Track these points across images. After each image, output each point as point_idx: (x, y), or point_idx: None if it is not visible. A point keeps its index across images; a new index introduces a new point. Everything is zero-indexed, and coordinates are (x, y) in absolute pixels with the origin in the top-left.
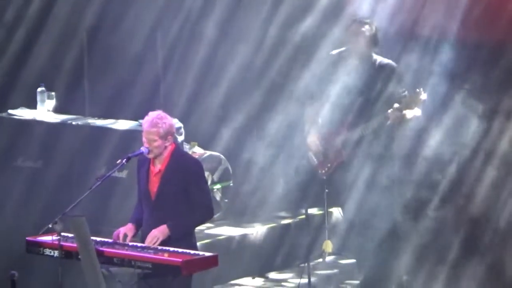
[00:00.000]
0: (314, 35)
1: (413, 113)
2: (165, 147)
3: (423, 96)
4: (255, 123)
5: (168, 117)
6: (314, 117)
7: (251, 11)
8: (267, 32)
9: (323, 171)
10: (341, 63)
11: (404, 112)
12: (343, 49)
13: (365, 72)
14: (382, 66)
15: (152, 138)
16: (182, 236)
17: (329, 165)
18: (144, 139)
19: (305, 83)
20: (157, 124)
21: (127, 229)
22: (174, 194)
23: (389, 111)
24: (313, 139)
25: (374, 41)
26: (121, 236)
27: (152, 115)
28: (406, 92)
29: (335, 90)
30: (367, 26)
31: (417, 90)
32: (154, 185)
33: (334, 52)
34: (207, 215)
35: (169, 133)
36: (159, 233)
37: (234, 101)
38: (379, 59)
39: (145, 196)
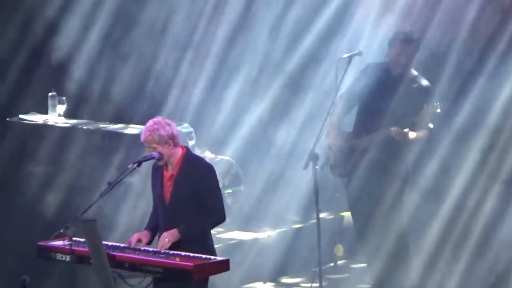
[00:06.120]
0: (324, 40)
1: (419, 132)
2: (173, 152)
3: (438, 110)
4: (266, 127)
5: (164, 122)
6: (338, 117)
7: (261, 17)
8: (277, 38)
9: (338, 172)
10: (371, 69)
11: (407, 130)
12: (355, 52)
13: (400, 87)
14: (420, 87)
15: (151, 146)
16: (194, 238)
17: (344, 166)
18: (147, 149)
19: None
20: (152, 132)
21: (142, 235)
22: (188, 198)
23: (392, 128)
24: (333, 138)
25: (414, 59)
26: (133, 240)
27: (147, 123)
28: (424, 106)
29: (363, 95)
30: (413, 45)
31: (434, 104)
32: (167, 190)
33: (345, 55)
34: (219, 219)
35: (168, 137)
36: (169, 235)
37: (245, 105)
38: (418, 78)
39: (160, 201)
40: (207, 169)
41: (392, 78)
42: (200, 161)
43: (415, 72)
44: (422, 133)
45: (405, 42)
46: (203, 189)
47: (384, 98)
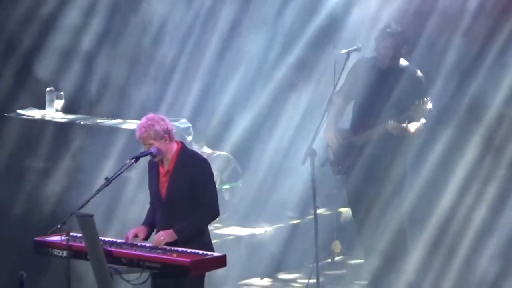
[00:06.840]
0: (321, 36)
1: (415, 125)
2: (169, 147)
3: (429, 105)
4: (264, 122)
5: (157, 117)
6: (335, 114)
7: (260, 10)
8: (277, 32)
9: (337, 169)
10: (361, 65)
11: (405, 124)
12: (353, 48)
13: (392, 80)
14: (412, 78)
15: (147, 142)
16: (191, 238)
17: (343, 164)
18: (143, 146)
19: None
20: (147, 128)
21: (138, 230)
22: (184, 193)
23: (388, 122)
24: (331, 136)
25: (403, 50)
26: (130, 235)
27: (141, 121)
28: (416, 101)
29: (357, 91)
30: (399, 37)
31: (425, 99)
32: (163, 185)
33: (344, 51)
34: (212, 216)
35: (164, 132)
36: (165, 234)
37: (243, 100)
38: (408, 69)
39: (156, 197)
40: (202, 164)
41: (382, 72)
42: (195, 155)
43: (404, 63)
44: (418, 126)
45: (391, 35)
46: (198, 184)
47: (376, 92)
